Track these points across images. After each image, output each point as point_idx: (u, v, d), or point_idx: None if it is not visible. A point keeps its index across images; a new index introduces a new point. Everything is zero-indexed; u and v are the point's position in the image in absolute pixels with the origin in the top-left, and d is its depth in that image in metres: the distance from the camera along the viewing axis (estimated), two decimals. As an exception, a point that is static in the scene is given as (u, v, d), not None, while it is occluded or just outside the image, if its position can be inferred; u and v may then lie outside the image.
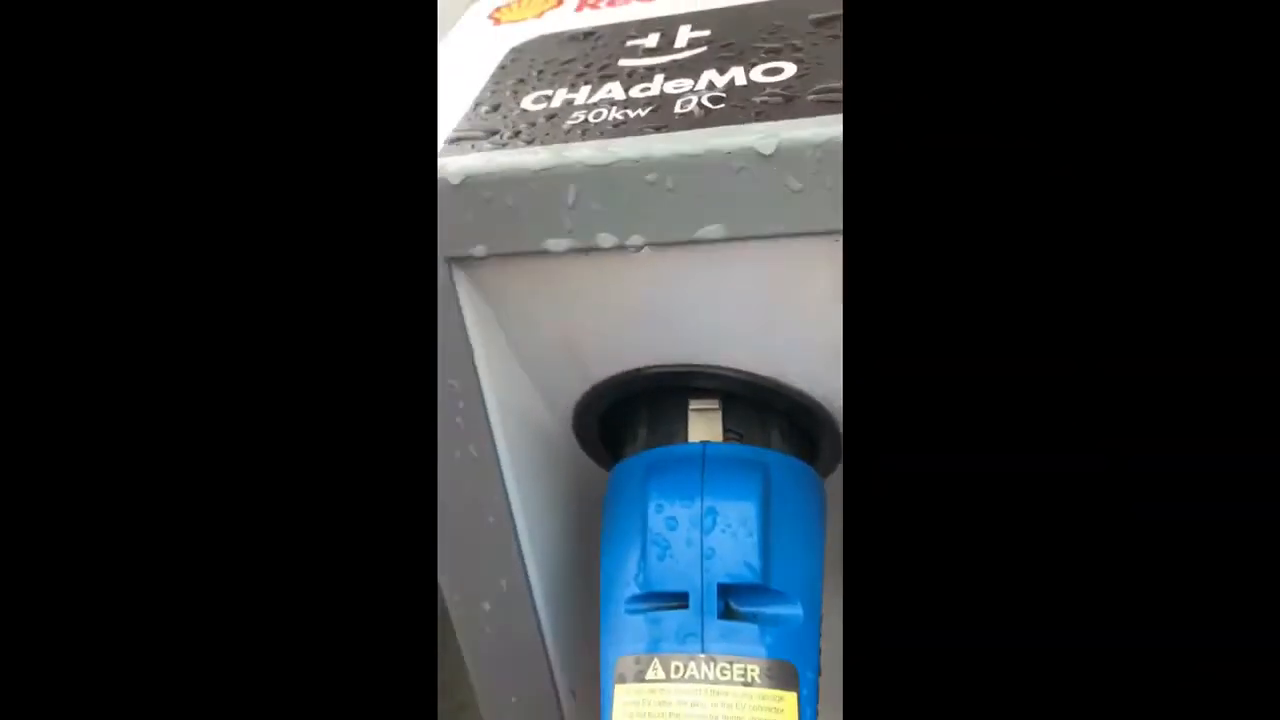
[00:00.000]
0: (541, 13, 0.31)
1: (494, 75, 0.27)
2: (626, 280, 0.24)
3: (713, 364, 0.27)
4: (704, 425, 0.28)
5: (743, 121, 0.21)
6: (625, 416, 0.30)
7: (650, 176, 0.21)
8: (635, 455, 0.28)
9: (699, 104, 0.22)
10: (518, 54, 0.28)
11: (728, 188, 0.21)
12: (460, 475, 0.27)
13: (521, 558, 0.28)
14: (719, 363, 0.27)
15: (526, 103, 0.25)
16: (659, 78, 0.24)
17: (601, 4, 0.31)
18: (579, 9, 0.31)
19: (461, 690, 0.37)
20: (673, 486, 0.26)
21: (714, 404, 0.29)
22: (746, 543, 0.25)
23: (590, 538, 0.30)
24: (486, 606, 0.30)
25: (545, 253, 0.22)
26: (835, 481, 0.30)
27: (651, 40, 0.27)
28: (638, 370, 0.28)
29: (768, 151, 0.20)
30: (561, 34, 0.29)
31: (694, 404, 0.29)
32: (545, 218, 0.22)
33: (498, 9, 0.33)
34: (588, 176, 0.21)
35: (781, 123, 0.20)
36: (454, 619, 0.31)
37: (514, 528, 0.28)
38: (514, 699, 0.32)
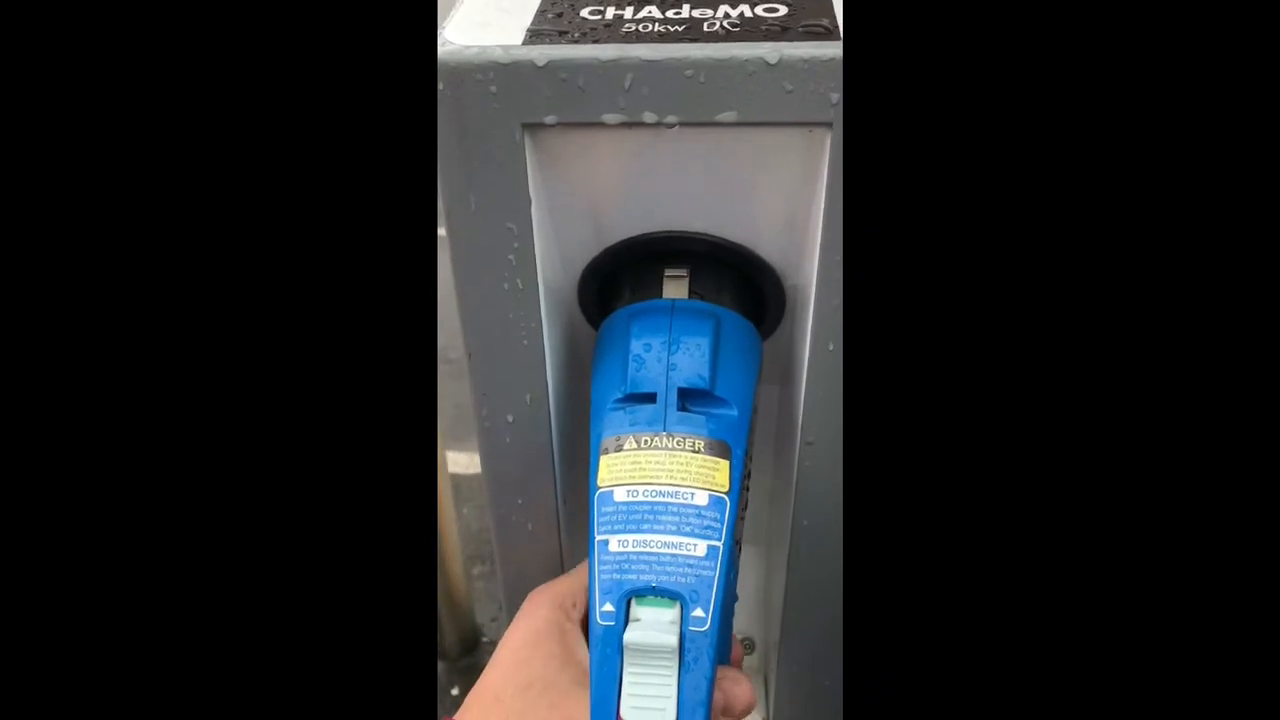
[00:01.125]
0: None
1: (550, -9, 0.34)
2: (658, 151, 0.32)
3: (703, 231, 0.36)
4: (675, 288, 0.37)
5: (755, 40, 0.30)
6: (616, 280, 0.38)
7: (688, 72, 0.29)
8: (622, 308, 0.37)
9: (721, 26, 0.31)
10: (564, -26, 0.36)
11: (742, 85, 0.29)
12: (505, 302, 0.35)
13: (545, 376, 0.36)
14: (710, 230, 0.36)
15: (585, 13, 0.32)
16: (686, 5, 0.32)
17: None
18: None
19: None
20: (649, 324, 0.35)
21: (683, 272, 0.37)
22: (700, 362, 0.34)
23: (581, 376, 0.38)
24: (510, 418, 0.38)
25: (601, 124, 0.31)
26: (774, 344, 0.40)
27: (673, -23, 0.35)
28: (640, 234, 0.36)
29: (773, 61, 0.29)
30: (598, -34, 0.37)
31: (668, 272, 0.37)
32: (606, 97, 0.30)
33: None
34: (642, 68, 0.29)
35: (781, 44, 0.29)
36: (480, 432, 0.38)
37: (543, 350, 0.36)
38: (520, 500, 0.40)
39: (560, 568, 0.42)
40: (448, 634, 1.80)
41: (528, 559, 0.42)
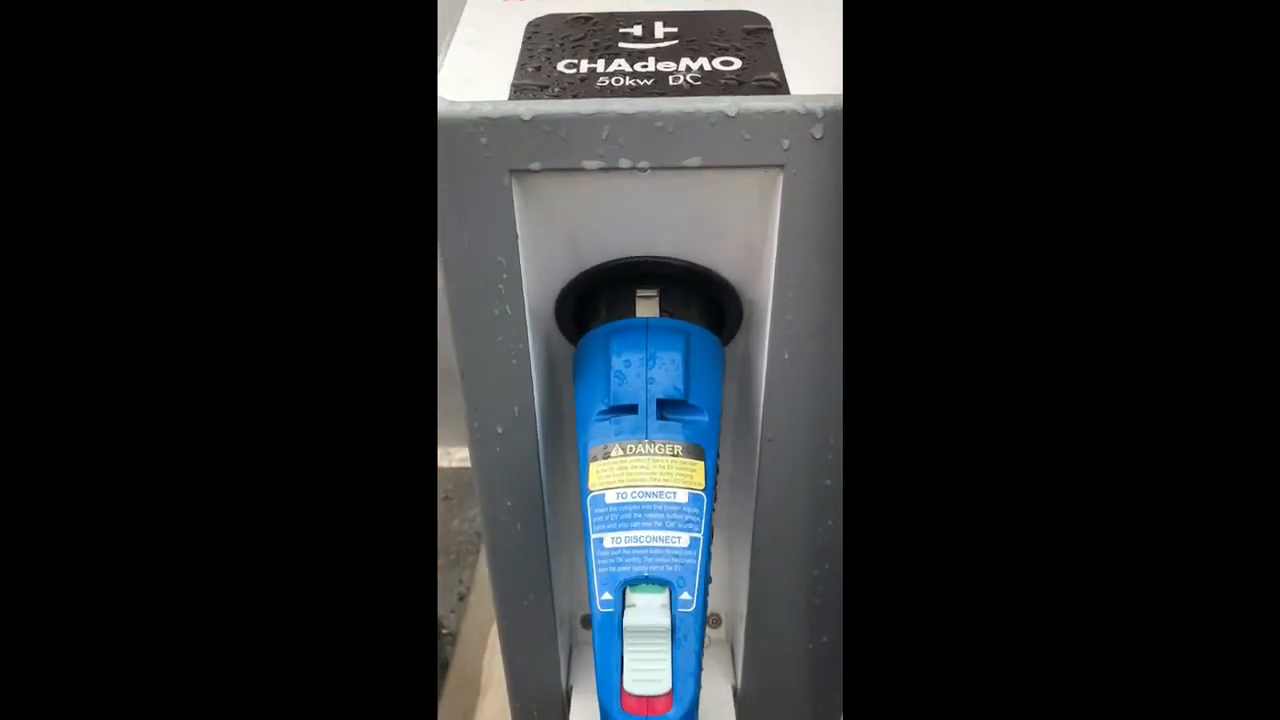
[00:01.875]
0: None
1: (525, 43, 0.38)
2: (631, 191, 0.36)
3: (662, 256, 0.40)
4: (647, 307, 0.41)
5: (715, 94, 0.34)
6: (592, 300, 0.42)
7: (659, 124, 0.33)
8: (599, 327, 0.41)
9: (685, 80, 0.35)
10: (535, 28, 0.39)
11: (706, 135, 0.33)
12: (495, 326, 0.38)
13: (531, 391, 0.40)
14: (673, 256, 0.40)
15: (561, 67, 0.36)
16: (652, 59, 0.36)
17: None
18: None
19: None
20: (627, 341, 0.39)
21: (654, 292, 0.42)
22: (675, 375, 0.38)
23: (558, 388, 0.42)
24: (500, 429, 0.41)
25: (581, 170, 0.34)
26: (732, 349, 0.45)
27: (637, 30, 0.39)
28: (616, 259, 0.40)
29: (733, 114, 0.33)
30: (564, 15, 0.40)
31: (640, 293, 0.42)
32: (586, 146, 0.34)
33: None
34: (618, 121, 0.33)
35: (739, 97, 0.33)
36: (471, 443, 0.42)
37: (529, 368, 0.40)
38: (509, 502, 0.44)
39: (546, 561, 0.46)
40: (408, 628, 1.83)
41: (516, 554, 0.46)
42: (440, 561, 2.11)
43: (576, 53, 0.37)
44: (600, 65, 0.36)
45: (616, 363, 0.38)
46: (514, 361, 0.39)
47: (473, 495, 2.25)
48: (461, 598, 1.98)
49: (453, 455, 2.48)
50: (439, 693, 1.64)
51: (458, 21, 0.40)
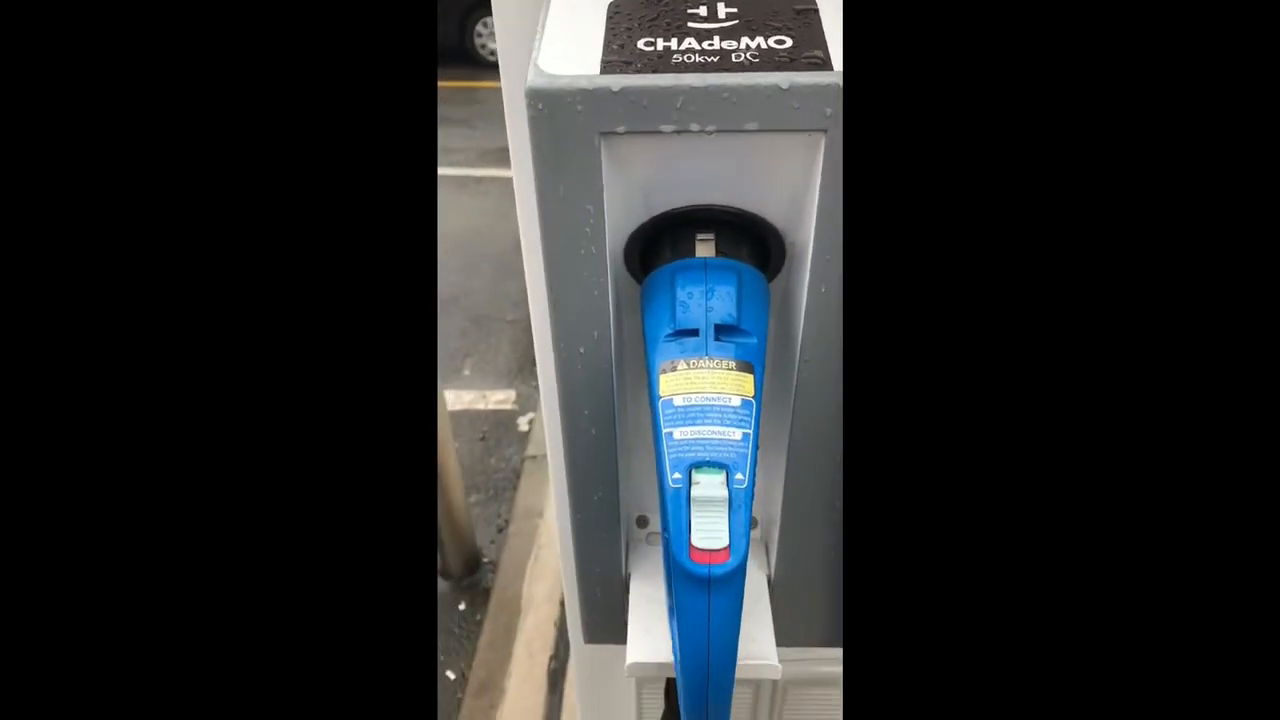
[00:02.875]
0: None
1: (609, 23, 0.45)
2: (698, 150, 0.43)
3: (720, 205, 0.47)
4: (706, 248, 0.49)
5: (771, 70, 0.41)
6: (656, 243, 0.50)
7: (724, 95, 0.41)
8: (665, 265, 0.49)
9: (746, 58, 0.42)
10: (616, 8, 0.46)
11: (763, 104, 0.41)
12: (582, 263, 0.46)
13: (608, 314, 0.48)
14: (728, 204, 0.47)
15: (640, 44, 0.43)
16: (716, 38, 0.43)
17: None
18: None
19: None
20: (689, 277, 0.47)
21: (711, 236, 0.49)
22: (729, 305, 0.46)
23: (622, 317, 0.50)
24: (582, 350, 0.50)
25: (659, 132, 0.42)
26: (776, 284, 0.52)
27: (703, 10, 0.46)
28: (680, 207, 0.48)
29: (785, 87, 0.40)
30: (640, -3, 0.47)
31: (700, 236, 0.49)
32: (662, 113, 0.41)
33: None
34: (690, 93, 0.41)
35: (790, 73, 0.41)
36: (557, 360, 0.50)
37: (609, 296, 0.48)
38: (586, 411, 0.52)
39: (615, 462, 0.55)
40: (451, 556, 1.96)
41: (591, 456, 0.54)
42: (479, 496, 2.24)
43: (653, 31, 0.44)
44: (674, 43, 0.43)
45: (681, 294, 0.46)
46: (595, 293, 0.47)
47: (509, 435, 2.36)
48: (500, 530, 2.11)
49: (490, 398, 2.59)
50: (485, 615, 1.77)
51: (548, 3, 0.47)
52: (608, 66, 0.42)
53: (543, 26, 0.45)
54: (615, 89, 0.41)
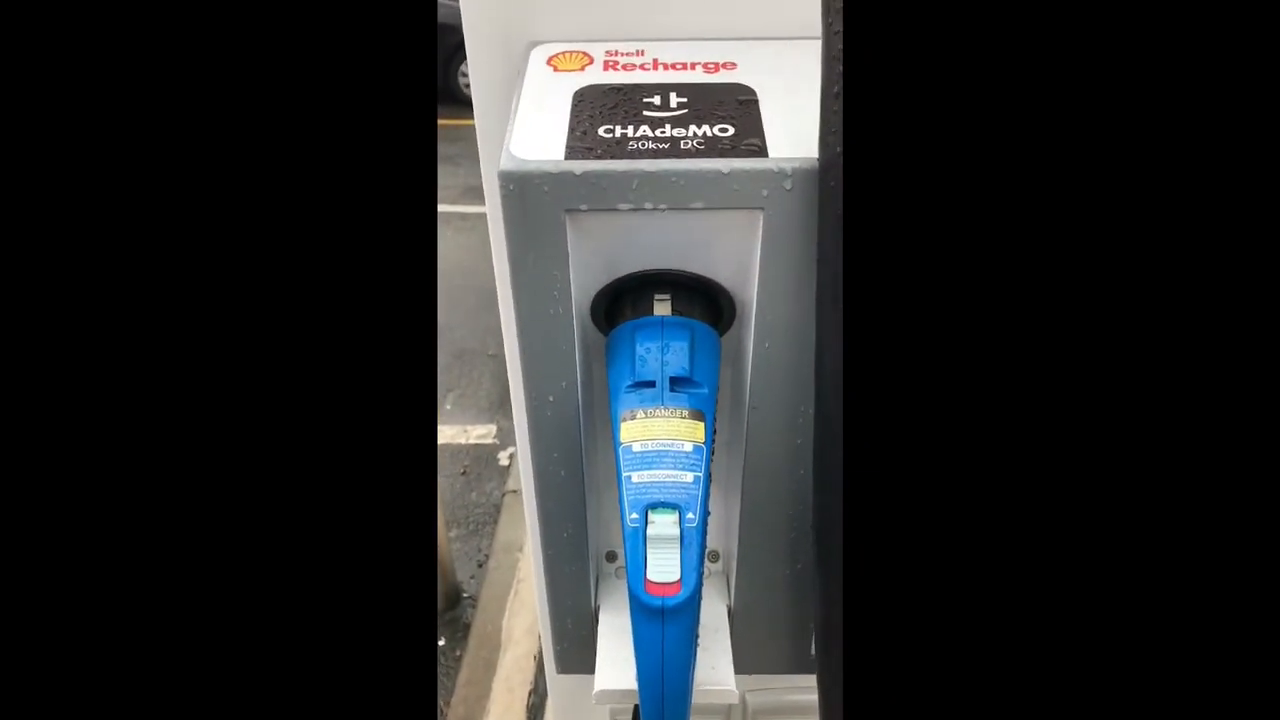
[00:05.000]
0: (583, 67, 0.55)
1: (573, 111, 0.51)
2: (651, 224, 0.49)
3: (675, 269, 0.53)
4: (663, 307, 0.54)
5: (715, 156, 0.47)
6: (619, 302, 0.55)
7: (673, 179, 0.46)
8: (626, 322, 0.54)
9: (694, 144, 0.48)
10: (580, 97, 0.52)
11: (707, 186, 0.46)
12: (550, 323, 0.51)
13: (575, 366, 0.53)
14: (683, 269, 0.53)
15: (600, 131, 0.49)
16: (668, 126, 0.49)
17: (618, 67, 0.55)
18: (604, 69, 0.55)
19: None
20: (648, 334, 0.52)
21: (667, 296, 0.55)
22: (683, 359, 0.51)
23: (589, 367, 0.55)
24: (551, 398, 0.55)
25: (615, 210, 0.47)
26: (728, 339, 0.58)
27: (656, 100, 0.52)
28: (635, 272, 0.53)
29: (726, 171, 0.46)
30: (602, 86, 0.53)
31: (657, 296, 0.55)
32: (620, 193, 0.47)
33: (551, 58, 0.56)
34: (644, 176, 0.46)
35: (731, 159, 0.46)
36: (528, 409, 0.55)
37: (575, 352, 0.53)
38: (555, 454, 0.57)
39: (583, 502, 0.59)
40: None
41: (560, 496, 0.59)
42: (459, 531, 2.26)
43: (611, 119, 0.50)
44: (630, 130, 0.49)
45: (640, 349, 0.52)
46: (563, 347, 0.53)
47: (489, 469, 2.39)
48: (480, 565, 2.13)
49: (470, 433, 2.62)
50: (464, 651, 1.79)
51: (521, 88, 0.53)
52: (571, 152, 0.47)
53: (515, 111, 0.51)
54: (578, 172, 0.46)
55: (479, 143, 0.63)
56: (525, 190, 0.47)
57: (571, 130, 0.49)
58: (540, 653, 1.87)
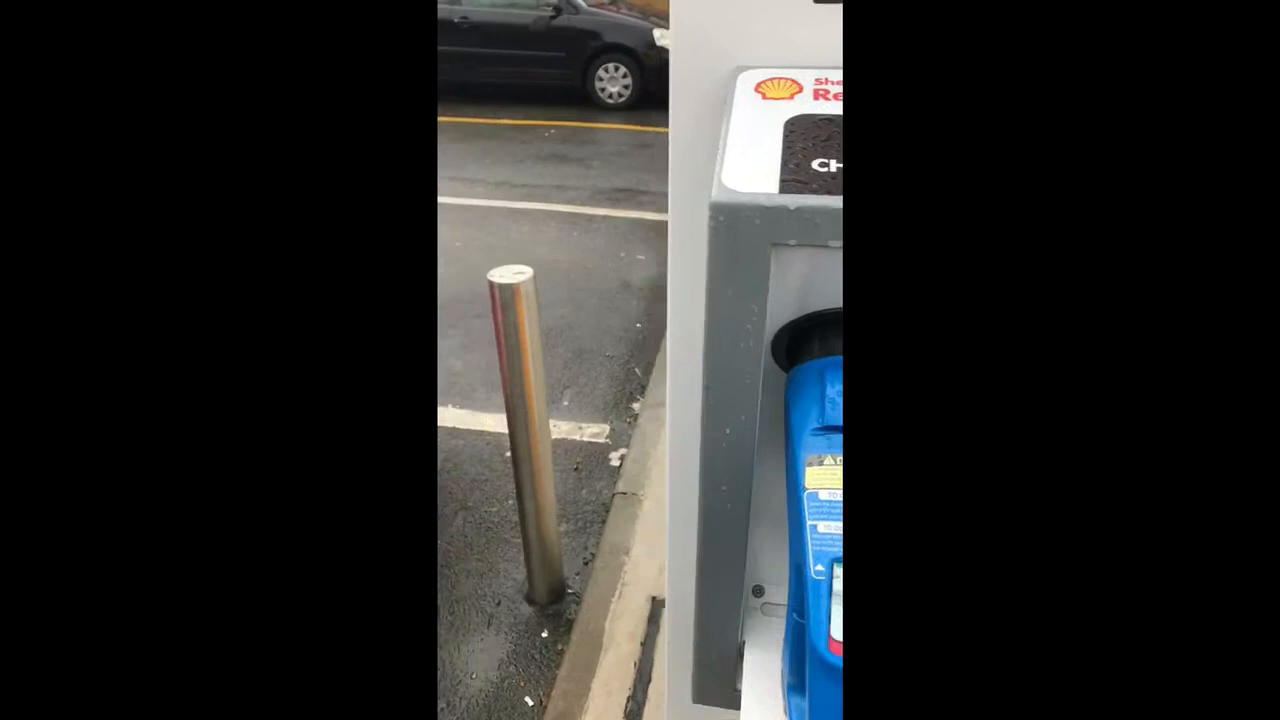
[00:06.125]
0: (792, 95, 0.53)
1: (785, 141, 0.49)
2: (861, 265, 0.47)
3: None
4: (850, 345, 0.52)
5: (938, 199, 0.44)
6: (804, 338, 0.54)
7: (893, 220, 0.44)
8: (812, 360, 0.52)
9: (915, 185, 0.45)
10: (792, 126, 0.51)
11: (928, 230, 0.44)
12: (739, 355, 0.50)
13: (756, 404, 0.52)
14: (882, 311, 0.50)
15: (814, 165, 0.47)
16: (886, 163, 0.47)
17: (829, 96, 0.53)
18: (815, 98, 0.53)
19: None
20: (838, 376, 0.50)
21: (856, 334, 0.52)
22: None
23: (767, 402, 0.53)
24: (728, 430, 0.53)
25: (826, 246, 0.46)
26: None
27: (872, 134, 0.49)
28: (830, 308, 0.51)
29: (951, 217, 0.43)
30: (814, 116, 0.51)
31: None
32: (831, 229, 0.45)
33: (760, 84, 0.55)
34: (861, 216, 0.44)
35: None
36: (703, 439, 0.54)
37: (759, 384, 0.51)
38: (724, 487, 0.56)
39: (745, 537, 0.58)
40: (538, 583, 2.01)
41: (723, 529, 0.58)
42: (568, 526, 2.29)
43: (825, 151, 0.48)
44: (838, 165, 0.47)
45: (830, 392, 0.50)
46: (748, 381, 0.51)
47: (600, 469, 2.41)
48: (586, 562, 2.14)
49: (585, 431, 2.65)
50: (566, 645, 1.81)
51: (729, 115, 0.52)
52: (785, 186, 0.46)
53: (725, 138, 0.50)
54: (792, 207, 0.45)
55: (671, 159, 0.63)
56: (736, 222, 0.46)
57: (784, 163, 0.48)
58: (640, 659, 1.87)
